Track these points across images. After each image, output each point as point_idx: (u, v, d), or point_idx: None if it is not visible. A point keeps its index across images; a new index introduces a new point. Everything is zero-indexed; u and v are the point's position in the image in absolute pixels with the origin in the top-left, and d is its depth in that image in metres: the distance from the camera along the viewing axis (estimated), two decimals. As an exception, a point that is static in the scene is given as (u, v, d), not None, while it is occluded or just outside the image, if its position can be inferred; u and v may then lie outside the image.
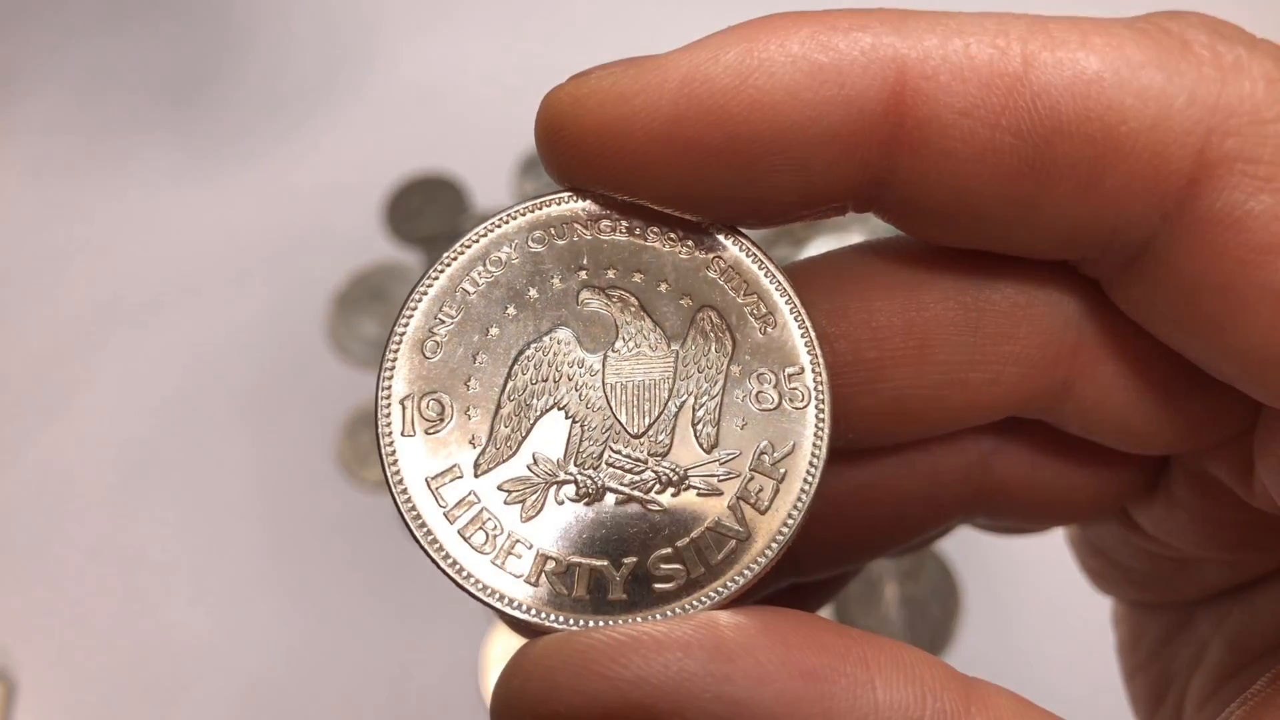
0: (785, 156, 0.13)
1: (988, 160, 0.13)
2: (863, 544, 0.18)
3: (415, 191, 0.52)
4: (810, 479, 0.14)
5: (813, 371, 0.15)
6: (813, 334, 0.15)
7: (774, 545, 0.14)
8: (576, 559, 0.14)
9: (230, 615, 0.43)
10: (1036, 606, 0.42)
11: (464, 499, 0.14)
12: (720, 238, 0.15)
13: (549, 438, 0.14)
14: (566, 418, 0.14)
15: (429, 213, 0.51)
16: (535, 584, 0.14)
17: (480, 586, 0.14)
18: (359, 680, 0.42)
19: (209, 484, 0.46)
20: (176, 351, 0.49)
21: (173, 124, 0.55)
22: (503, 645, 0.41)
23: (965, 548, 0.42)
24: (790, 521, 0.14)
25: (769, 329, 0.15)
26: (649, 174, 0.14)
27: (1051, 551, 0.42)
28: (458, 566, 0.14)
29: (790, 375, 0.15)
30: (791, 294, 0.15)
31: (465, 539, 0.14)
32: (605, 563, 0.14)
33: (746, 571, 0.14)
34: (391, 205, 0.51)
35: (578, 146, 0.14)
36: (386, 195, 0.52)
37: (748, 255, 0.15)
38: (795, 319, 0.15)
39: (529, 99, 0.52)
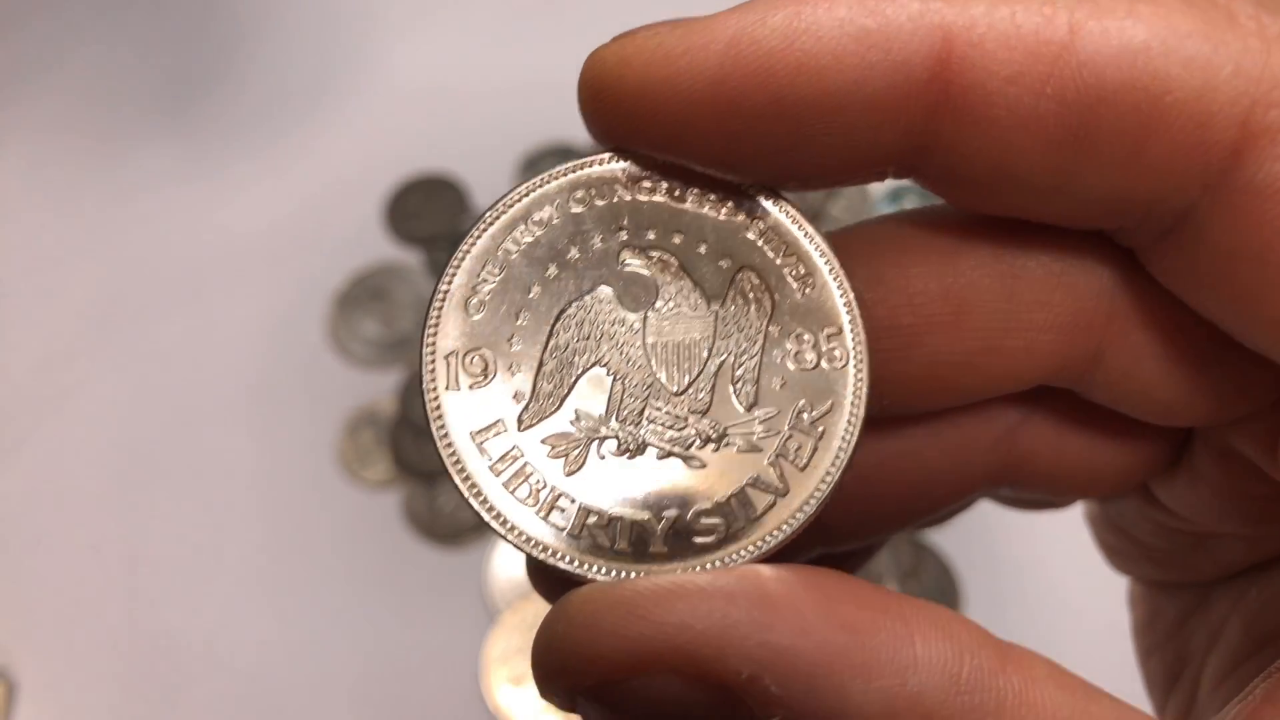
0: (830, 120, 0.14)
1: (1031, 128, 0.13)
2: (890, 515, 0.18)
3: (415, 191, 0.52)
4: (849, 437, 0.14)
5: (851, 332, 0.15)
6: (851, 295, 0.15)
7: (812, 502, 0.14)
8: (618, 512, 0.14)
9: (231, 614, 0.43)
10: (1036, 606, 0.42)
11: (508, 453, 0.14)
12: (760, 200, 0.15)
13: (591, 394, 0.15)
14: (608, 375, 0.15)
15: (429, 213, 0.51)
16: (578, 536, 0.14)
17: (524, 539, 0.14)
18: (359, 679, 0.42)
19: (210, 483, 0.46)
20: (177, 351, 0.49)
21: (174, 124, 0.55)
22: (502, 645, 0.41)
23: (965, 548, 0.43)
24: (829, 479, 0.14)
25: (808, 290, 0.15)
26: (692, 134, 0.14)
27: (1050, 552, 0.42)
28: (502, 519, 0.14)
29: (829, 336, 0.15)
30: (831, 256, 0.15)
31: (510, 492, 0.14)
32: (646, 516, 0.14)
33: (785, 527, 0.14)
34: (391, 205, 0.52)
35: (621, 106, 0.14)
36: (386, 195, 0.52)
37: (787, 217, 0.15)
38: (834, 280, 0.15)
39: (528, 99, 0.52)
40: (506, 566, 0.43)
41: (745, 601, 0.12)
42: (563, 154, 0.52)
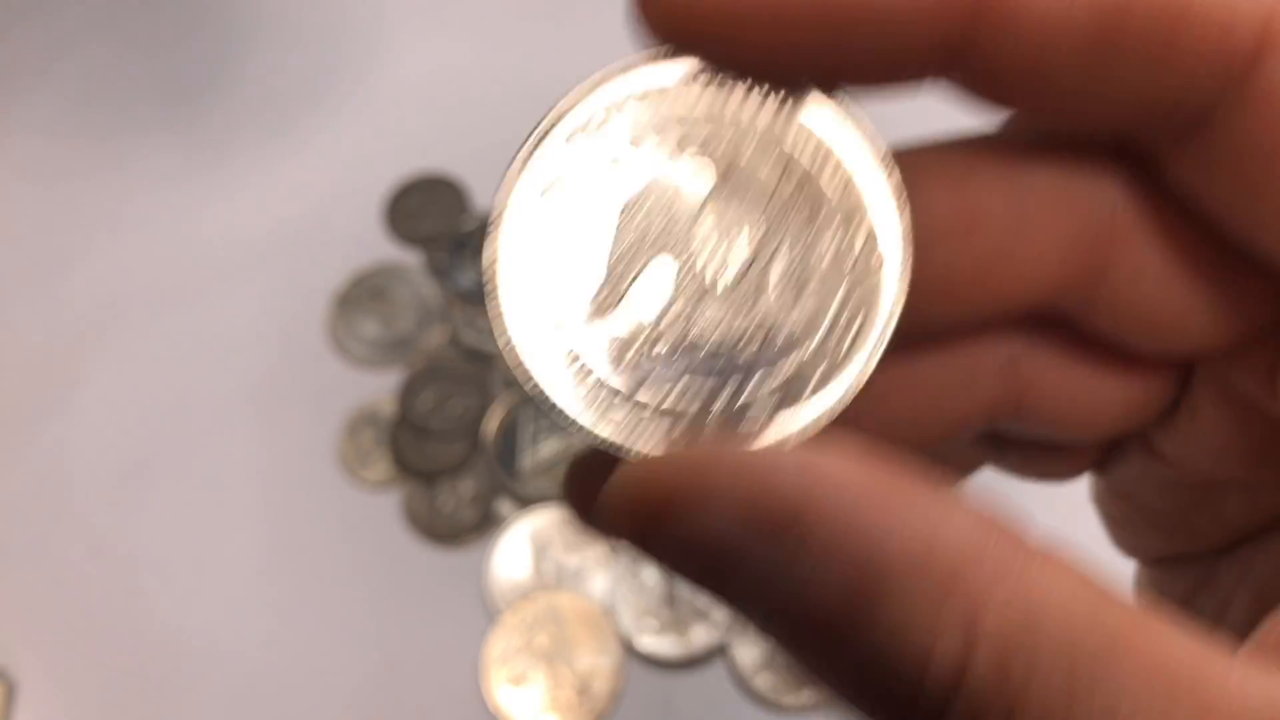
0: (875, 20, 0.15)
1: (1064, 32, 0.15)
2: (904, 437, 0.19)
3: (415, 192, 0.52)
4: (888, 328, 0.15)
5: (893, 228, 0.16)
6: (896, 194, 0.16)
7: (852, 388, 0.15)
8: (671, 401, 0.15)
9: (231, 614, 0.43)
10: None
11: (568, 346, 0.15)
12: (808, 101, 0.16)
13: (649, 288, 0.15)
14: (664, 269, 0.16)
15: (429, 213, 0.52)
16: (634, 421, 0.15)
17: (586, 425, 0.15)
18: (360, 678, 0.42)
19: (210, 483, 0.46)
20: (177, 351, 0.49)
21: (173, 124, 0.55)
22: (503, 645, 0.41)
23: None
24: (869, 366, 0.15)
25: (852, 190, 0.16)
26: (740, 36, 0.15)
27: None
28: (561, 408, 0.15)
29: (870, 234, 0.16)
30: (877, 155, 0.16)
31: (573, 383, 0.15)
32: (696, 405, 0.15)
33: (828, 411, 0.15)
34: (391, 205, 0.52)
35: (670, 9, 0.15)
36: (386, 196, 0.52)
37: (837, 117, 0.16)
38: (880, 177, 0.16)
39: (527, 100, 0.52)
40: (507, 567, 0.43)
41: (791, 459, 0.13)
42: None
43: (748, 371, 0.15)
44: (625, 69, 0.16)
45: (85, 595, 0.44)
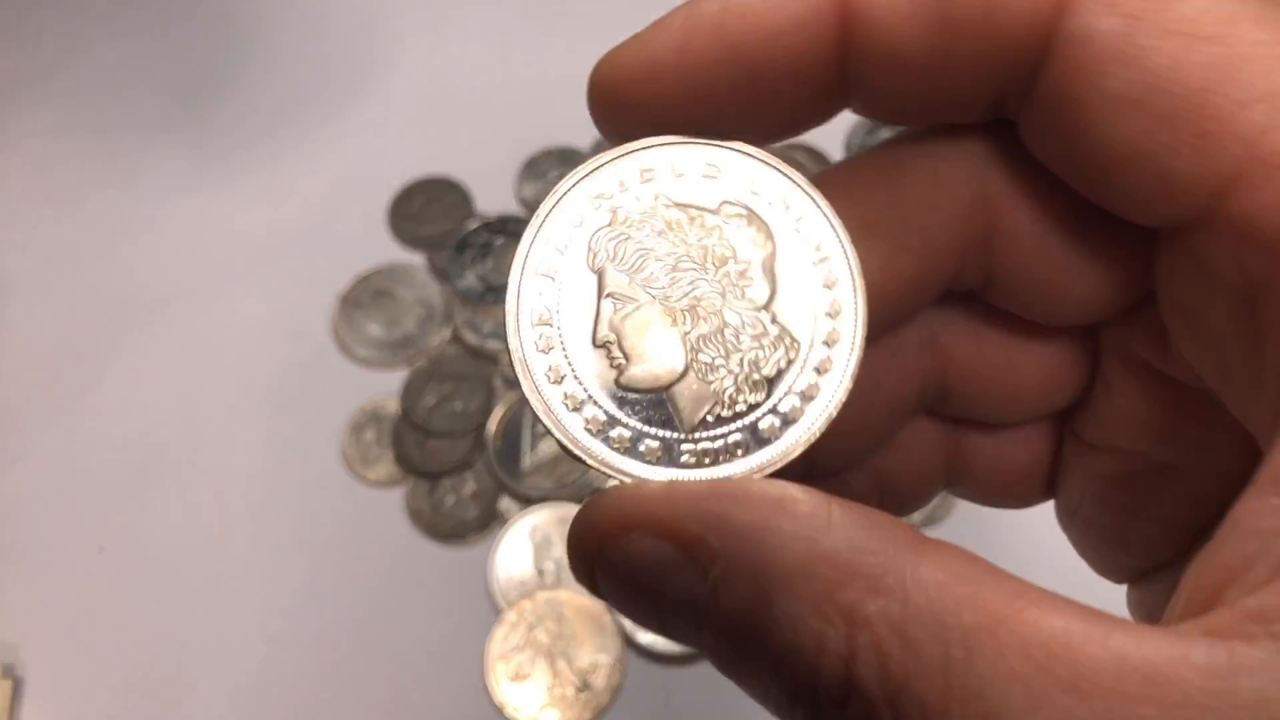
0: (770, 52, 0.17)
1: (908, 21, 0.17)
2: (849, 417, 0.21)
3: (419, 194, 0.52)
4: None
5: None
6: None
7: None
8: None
9: (237, 611, 0.43)
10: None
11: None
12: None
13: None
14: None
15: (432, 215, 0.52)
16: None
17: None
18: (364, 674, 0.42)
19: (216, 482, 0.46)
20: (185, 351, 0.49)
21: (182, 128, 0.56)
22: (505, 642, 0.42)
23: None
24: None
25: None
26: (662, 91, 0.18)
27: (1035, 552, 0.42)
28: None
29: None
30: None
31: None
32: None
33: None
34: (395, 208, 0.52)
35: (617, 97, 0.18)
36: (391, 198, 0.52)
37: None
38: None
39: (530, 104, 0.52)
40: (508, 564, 0.43)
41: (700, 487, 0.15)
42: (563, 157, 0.53)
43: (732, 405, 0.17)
44: (589, 170, 0.18)
45: (91, 592, 0.44)
